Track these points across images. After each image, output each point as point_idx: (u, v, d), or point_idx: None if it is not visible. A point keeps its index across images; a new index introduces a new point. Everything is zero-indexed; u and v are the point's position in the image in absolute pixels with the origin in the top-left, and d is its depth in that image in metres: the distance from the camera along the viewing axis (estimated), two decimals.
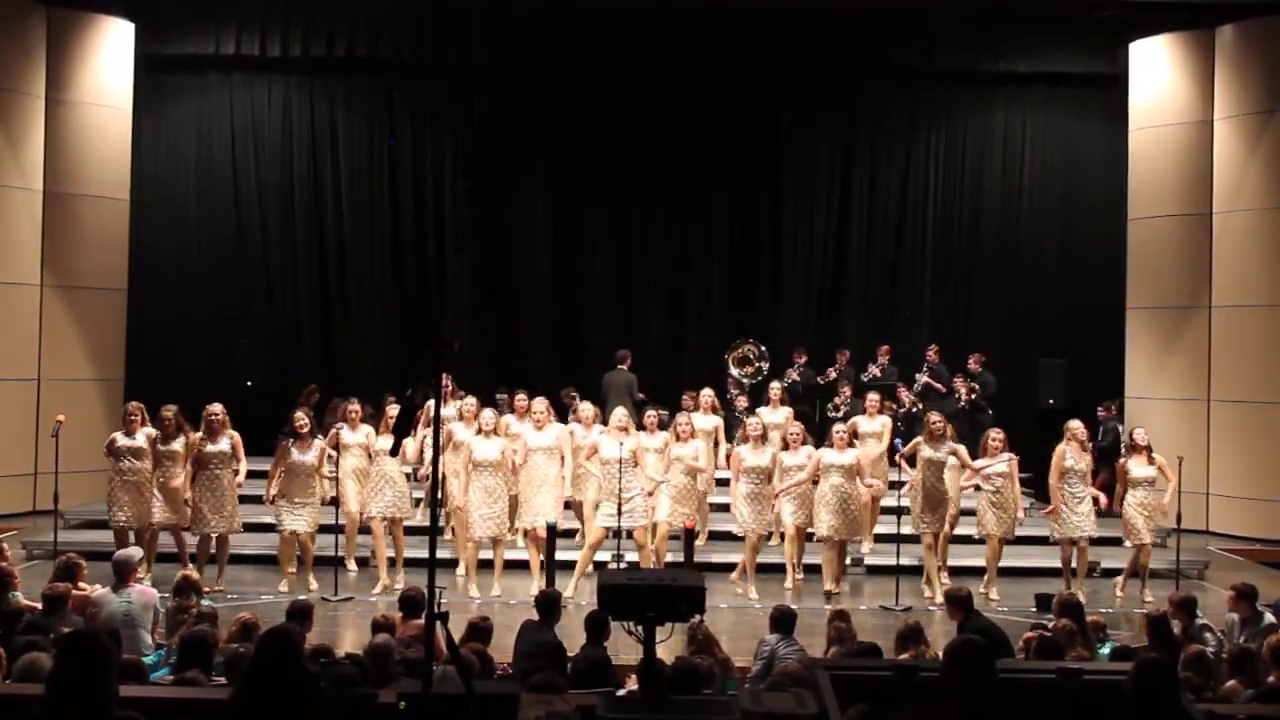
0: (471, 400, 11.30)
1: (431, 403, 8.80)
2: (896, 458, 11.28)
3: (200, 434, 10.75)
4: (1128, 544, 11.09)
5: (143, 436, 10.82)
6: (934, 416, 11.30)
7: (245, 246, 16.71)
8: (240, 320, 16.43)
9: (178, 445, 10.75)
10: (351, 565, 11.33)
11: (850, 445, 11.03)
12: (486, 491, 10.64)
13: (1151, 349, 14.97)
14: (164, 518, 10.75)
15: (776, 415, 12.55)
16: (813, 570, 11.28)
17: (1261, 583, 9.35)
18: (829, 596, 10.67)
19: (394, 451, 10.47)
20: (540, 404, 11.26)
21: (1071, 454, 10.90)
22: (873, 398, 12.64)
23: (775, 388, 13.29)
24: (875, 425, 12.19)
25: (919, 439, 11.12)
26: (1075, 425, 11.14)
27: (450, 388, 11.46)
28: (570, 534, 11.85)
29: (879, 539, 12.07)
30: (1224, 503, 14.06)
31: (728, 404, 14.89)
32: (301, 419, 10.93)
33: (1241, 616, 8.33)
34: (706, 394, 12.86)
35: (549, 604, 7.85)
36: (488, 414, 10.91)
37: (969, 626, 7.71)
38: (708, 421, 12.51)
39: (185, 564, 10.56)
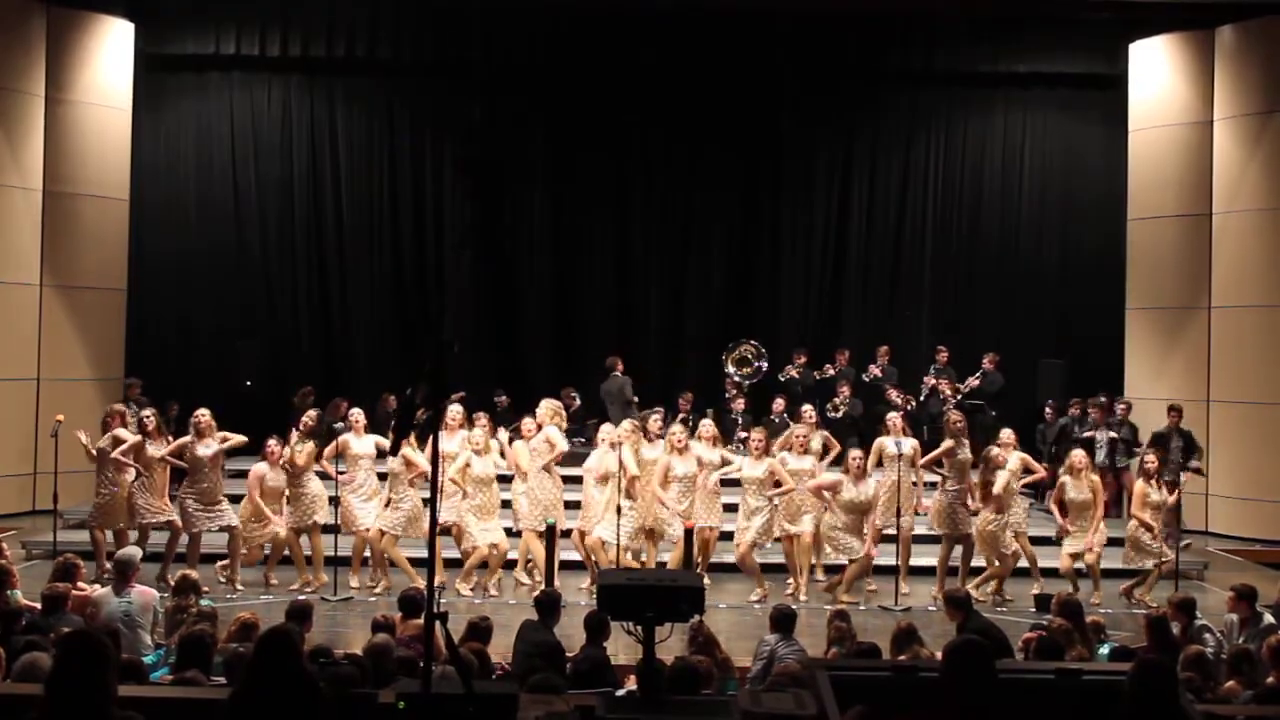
0: (457, 408, 11.26)
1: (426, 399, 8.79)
2: (921, 463, 11.25)
3: (189, 438, 10.85)
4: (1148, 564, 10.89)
5: (108, 440, 10.95)
6: (955, 415, 11.27)
7: (245, 246, 16.71)
8: (240, 320, 16.43)
9: (159, 449, 10.91)
10: (354, 582, 10.99)
11: (865, 473, 10.76)
12: (480, 510, 10.71)
13: (1151, 350, 14.97)
14: (151, 519, 10.92)
15: (803, 463, 11.14)
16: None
17: (1261, 583, 9.35)
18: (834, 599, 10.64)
19: (394, 450, 10.48)
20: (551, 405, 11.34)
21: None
22: (893, 417, 11.73)
23: (801, 431, 11.45)
24: (905, 448, 11.21)
25: (949, 443, 11.02)
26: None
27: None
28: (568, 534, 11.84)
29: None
30: (1223, 503, 14.06)
31: (725, 406, 14.92)
32: (308, 420, 11.08)
33: (1241, 617, 8.34)
34: (706, 424, 11.53)
35: (548, 604, 7.86)
36: (477, 433, 10.86)
37: (969, 627, 7.72)
38: (711, 454, 11.14)
39: (166, 564, 10.67)
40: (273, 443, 10.99)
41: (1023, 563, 11.11)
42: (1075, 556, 10.76)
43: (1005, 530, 10.77)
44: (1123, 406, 14.31)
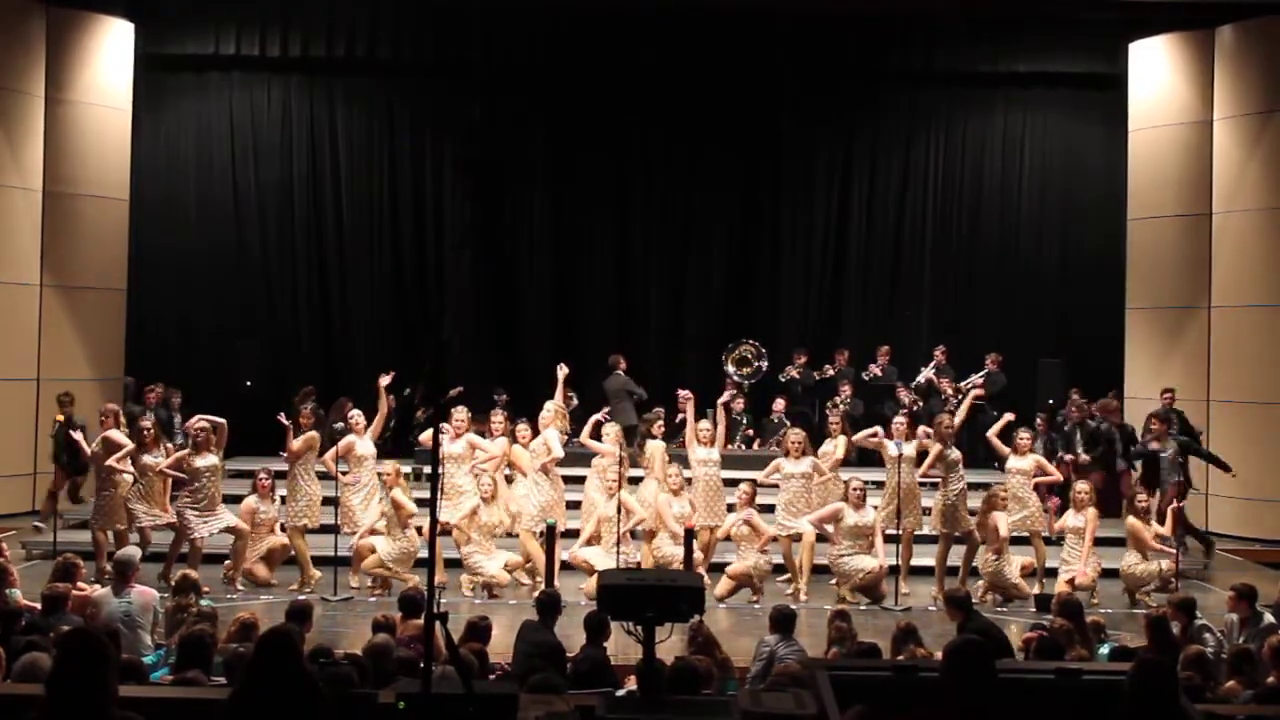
0: (462, 413, 11.28)
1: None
2: (918, 475, 11.24)
3: (187, 451, 10.89)
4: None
5: (99, 443, 11.03)
6: (945, 419, 11.35)
7: (245, 246, 16.71)
8: (240, 320, 16.43)
9: (155, 458, 10.95)
10: (354, 582, 10.95)
11: (865, 501, 10.84)
12: (485, 551, 10.75)
13: (1151, 349, 14.96)
14: (149, 524, 10.96)
15: (800, 466, 11.20)
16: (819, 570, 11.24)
17: (1261, 583, 9.35)
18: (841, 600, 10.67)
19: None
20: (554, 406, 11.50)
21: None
22: (898, 422, 11.68)
23: (796, 437, 11.38)
24: (908, 450, 11.20)
25: (937, 448, 11.08)
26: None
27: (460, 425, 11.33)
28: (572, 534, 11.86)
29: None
30: (1223, 503, 14.04)
31: (726, 407, 14.88)
32: (304, 418, 11.12)
33: (1241, 617, 8.34)
34: (704, 427, 11.56)
35: (549, 604, 7.85)
36: (486, 481, 10.84)
37: (969, 627, 7.72)
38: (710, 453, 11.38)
39: (168, 565, 10.70)
40: (263, 475, 11.07)
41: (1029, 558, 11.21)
42: (1070, 583, 10.73)
43: (1008, 566, 10.77)
44: (1076, 405, 14.11)
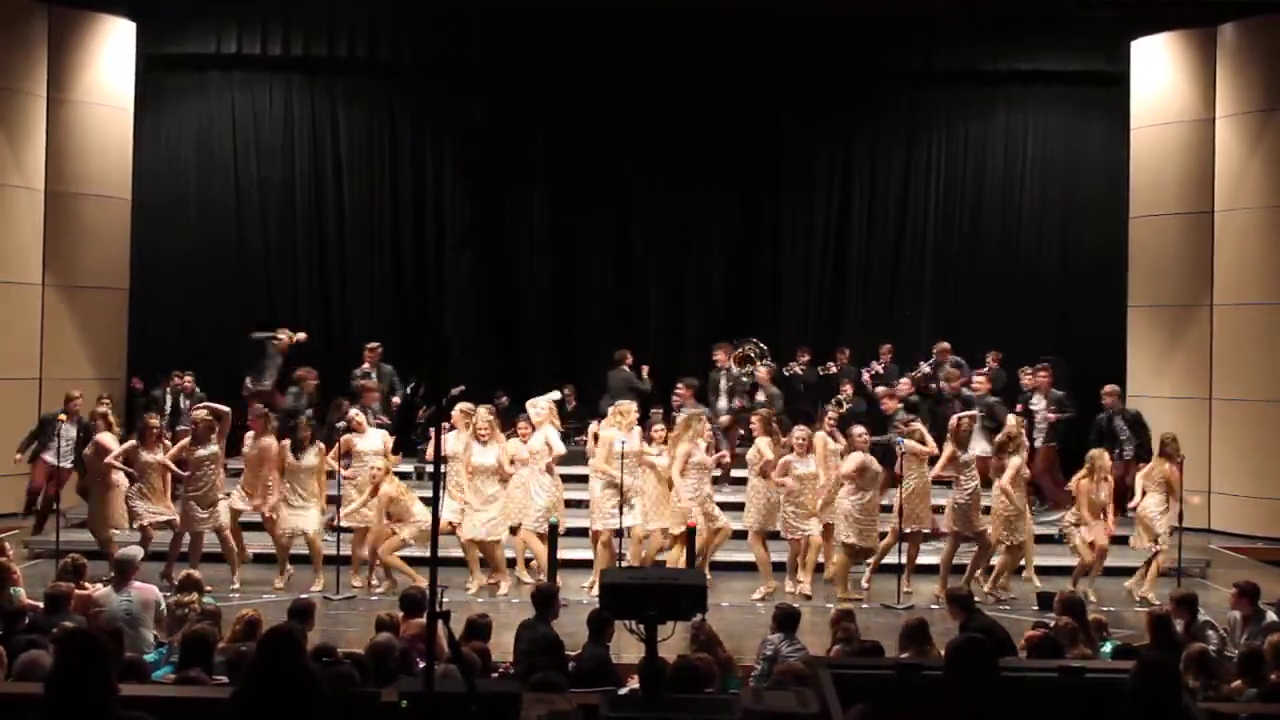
0: (482, 413, 11.31)
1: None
2: (931, 475, 11.22)
3: (186, 441, 10.93)
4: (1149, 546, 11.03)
5: (91, 448, 11.09)
6: (964, 421, 11.37)
7: (246, 246, 16.69)
8: (241, 319, 16.39)
9: (157, 455, 10.94)
10: (357, 581, 11.01)
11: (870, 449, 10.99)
12: (480, 496, 10.73)
13: (1153, 348, 14.96)
14: (152, 520, 10.92)
15: (807, 466, 11.20)
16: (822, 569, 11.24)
17: (1264, 581, 9.35)
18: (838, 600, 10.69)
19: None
20: (544, 402, 11.43)
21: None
22: (902, 418, 11.89)
23: (801, 434, 11.42)
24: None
25: (949, 449, 11.10)
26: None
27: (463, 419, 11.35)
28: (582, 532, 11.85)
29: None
30: (1226, 501, 14.05)
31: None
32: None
33: (1243, 614, 8.34)
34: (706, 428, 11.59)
35: (545, 599, 7.83)
36: (483, 411, 10.86)
37: (971, 626, 7.71)
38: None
39: (172, 567, 10.67)
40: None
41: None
42: (1092, 545, 10.73)
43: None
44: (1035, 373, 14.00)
